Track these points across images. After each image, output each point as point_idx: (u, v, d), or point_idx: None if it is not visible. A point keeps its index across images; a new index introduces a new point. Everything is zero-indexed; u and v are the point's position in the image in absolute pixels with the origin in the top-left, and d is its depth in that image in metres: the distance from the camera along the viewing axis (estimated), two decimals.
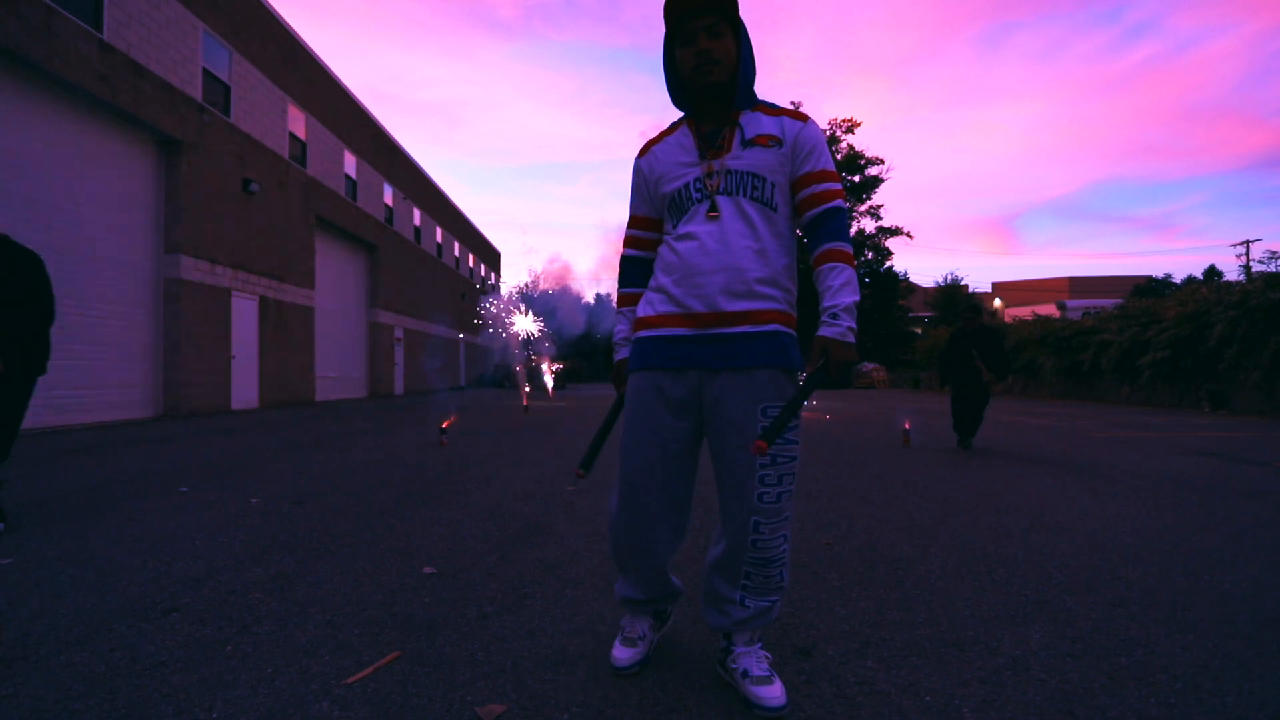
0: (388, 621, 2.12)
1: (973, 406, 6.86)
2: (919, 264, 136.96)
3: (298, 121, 16.05)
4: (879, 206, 40.87)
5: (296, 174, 15.87)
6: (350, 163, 19.29)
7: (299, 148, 16.16)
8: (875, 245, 41.13)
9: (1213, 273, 42.01)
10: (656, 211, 1.78)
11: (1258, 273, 14.96)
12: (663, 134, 1.78)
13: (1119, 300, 23.79)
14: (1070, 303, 36.17)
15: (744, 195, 1.62)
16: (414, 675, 1.75)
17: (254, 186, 13.64)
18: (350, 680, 1.71)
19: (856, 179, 40.64)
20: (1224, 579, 2.59)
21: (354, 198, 19.54)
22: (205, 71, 12.33)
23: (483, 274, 37.60)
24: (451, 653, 1.89)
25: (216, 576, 2.58)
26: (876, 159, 40.21)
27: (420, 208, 25.97)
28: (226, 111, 13.06)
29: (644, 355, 1.69)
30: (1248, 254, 32.52)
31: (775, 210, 1.65)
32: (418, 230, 25.60)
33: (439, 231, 28.66)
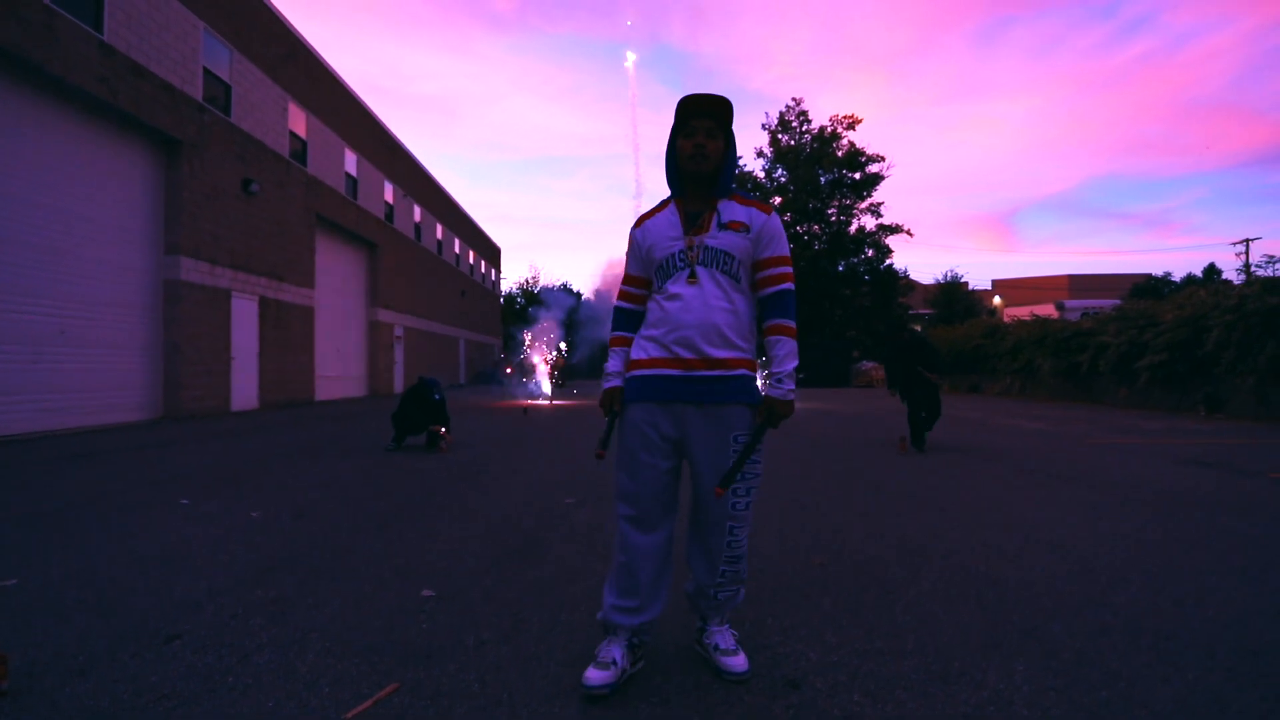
0: (386, 649, 2.16)
1: (929, 412, 7.66)
2: (918, 260, 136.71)
3: (298, 120, 16.03)
4: (879, 204, 40.75)
5: (297, 173, 15.87)
6: (351, 160, 19.27)
7: (299, 146, 16.15)
8: (875, 243, 41.01)
9: (1212, 271, 42.00)
10: (646, 272, 2.13)
11: (1255, 276, 14.94)
12: (654, 210, 2.14)
13: (1118, 300, 23.76)
14: (1070, 302, 36.08)
15: (716, 268, 1.99)
16: (412, 708, 1.79)
17: (254, 187, 13.64)
18: (349, 715, 1.75)
19: (857, 176, 40.51)
20: (1208, 604, 2.63)
21: (354, 196, 19.53)
22: (205, 71, 12.31)
23: (483, 270, 37.59)
24: (449, 684, 1.93)
25: (217, 599, 2.62)
26: (878, 156, 40.09)
27: (420, 204, 25.95)
28: (227, 111, 13.05)
29: (641, 390, 2.02)
30: (1247, 253, 32.50)
31: (739, 282, 2.02)
32: (418, 227, 25.58)
33: (439, 228, 28.63)
